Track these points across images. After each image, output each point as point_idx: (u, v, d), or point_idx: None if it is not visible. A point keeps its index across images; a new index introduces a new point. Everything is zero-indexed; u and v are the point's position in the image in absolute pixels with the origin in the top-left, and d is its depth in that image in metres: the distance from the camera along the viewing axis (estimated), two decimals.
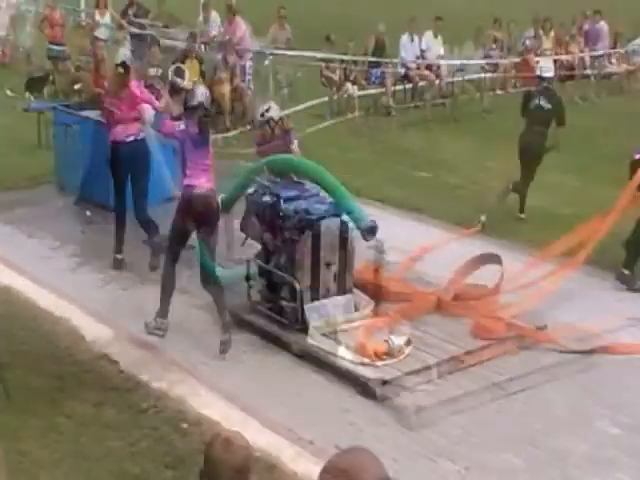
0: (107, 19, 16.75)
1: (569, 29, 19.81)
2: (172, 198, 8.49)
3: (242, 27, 15.83)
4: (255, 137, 9.28)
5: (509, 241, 9.68)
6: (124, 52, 8.92)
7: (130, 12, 16.82)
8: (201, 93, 7.71)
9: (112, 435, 6.17)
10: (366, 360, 6.86)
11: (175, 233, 7.59)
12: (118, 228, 9.06)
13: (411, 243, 9.35)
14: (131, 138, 9.03)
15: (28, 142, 12.75)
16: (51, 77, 15.77)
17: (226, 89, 14.38)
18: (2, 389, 6.42)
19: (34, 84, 15.54)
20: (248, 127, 14.22)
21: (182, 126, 7.62)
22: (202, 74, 14.51)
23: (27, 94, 15.15)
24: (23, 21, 18.88)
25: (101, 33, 16.10)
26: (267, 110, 8.96)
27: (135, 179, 9.14)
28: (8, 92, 15.95)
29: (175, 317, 7.81)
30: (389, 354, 6.92)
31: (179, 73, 12.63)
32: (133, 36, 16.12)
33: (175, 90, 11.27)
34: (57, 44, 16.47)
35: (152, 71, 13.80)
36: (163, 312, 7.53)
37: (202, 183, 7.44)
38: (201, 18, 16.10)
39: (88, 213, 10.47)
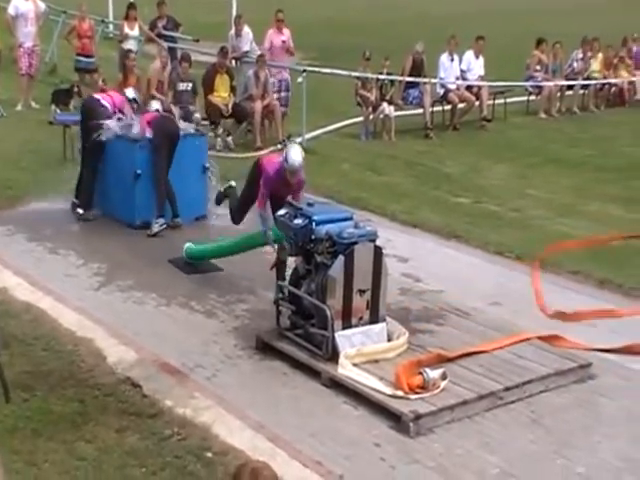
0: (136, 31, 16.67)
1: (619, 50, 19.23)
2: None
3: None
4: None
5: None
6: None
7: (159, 25, 16.73)
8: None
9: (134, 463, 5.93)
10: (399, 393, 6.59)
11: (162, 156, 10.14)
12: None
13: (448, 270, 9.14)
14: None
15: (53, 156, 12.61)
16: (76, 90, 15.63)
17: (257, 106, 14.19)
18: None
19: (60, 96, 15.41)
20: (279, 146, 14.02)
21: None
22: (232, 90, 14.35)
23: (53, 106, 15.04)
24: (50, 32, 18.86)
25: (131, 46, 16.10)
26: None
27: None
28: (33, 104, 15.85)
29: (201, 342, 7.65)
30: (423, 387, 6.64)
31: None
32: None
33: None
34: (85, 56, 16.39)
35: (182, 86, 13.70)
36: (160, 209, 10.07)
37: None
38: (232, 32, 15.92)
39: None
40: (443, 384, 6.69)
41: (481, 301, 8.54)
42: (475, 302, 8.46)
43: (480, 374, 6.92)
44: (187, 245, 9.24)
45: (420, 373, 6.68)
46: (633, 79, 19.04)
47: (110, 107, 10.65)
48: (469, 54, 16.58)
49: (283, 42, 15.35)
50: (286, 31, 15.54)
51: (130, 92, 11.04)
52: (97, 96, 11.01)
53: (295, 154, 8.09)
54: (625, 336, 7.75)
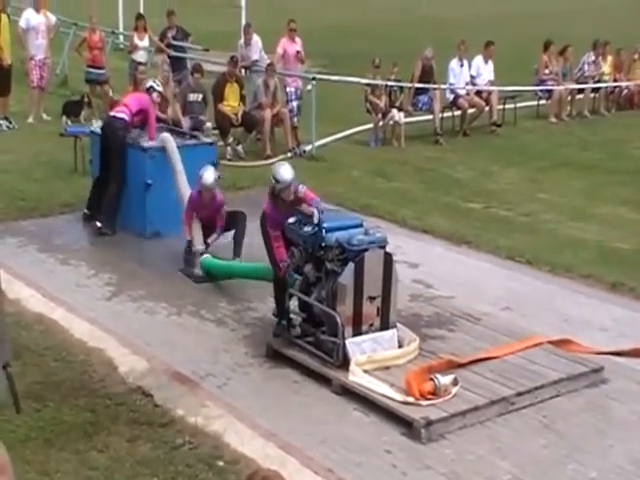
0: (146, 42, 16.70)
1: (633, 52, 19.04)
2: None
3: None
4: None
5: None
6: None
7: (169, 35, 16.76)
8: None
9: (146, 472, 5.95)
10: (410, 399, 6.58)
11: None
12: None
13: (458, 276, 9.13)
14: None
15: (64, 167, 12.65)
16: (86, 100, 15.68)
17: (267, 114, 14.19)
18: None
19: (71, 108, 15.47)
20: (289, 155, 14.04)
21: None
22: (242, 99, 14.38)
23: (64, 118, 15.09)
24: (61, 44, 18.93)
25: (141, 57, 16.12)
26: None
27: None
28: (44, 116, 15.91)
29: (212, 351, 7.66)
30: (434, 393, 6.63)
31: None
32: (173, 59, 16.07)
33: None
34: (96, 67, 16.43)
35: (192, 97, 13.73)
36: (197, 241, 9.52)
37: None
38: (242, 41, 15.94)
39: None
40: (454, 390, 6.68)
41: (492, 306, 8.53)
42: (486, 307, 8.44)
43: (491, 379, 6.91)
44: (206, 258, 9.25)
45: (431, 379, 6.67)
46: None
47: (128, 116, 10.56)
48: (478, 59, 16.52)
49: (298, 52, 15.39)
50: (298, 40, 15.59)
51: (148, 81, 11.11)
52: (111, 113, 10.98)
53: (285, 172, 7.57)
54: (636, 339, 7.73)
